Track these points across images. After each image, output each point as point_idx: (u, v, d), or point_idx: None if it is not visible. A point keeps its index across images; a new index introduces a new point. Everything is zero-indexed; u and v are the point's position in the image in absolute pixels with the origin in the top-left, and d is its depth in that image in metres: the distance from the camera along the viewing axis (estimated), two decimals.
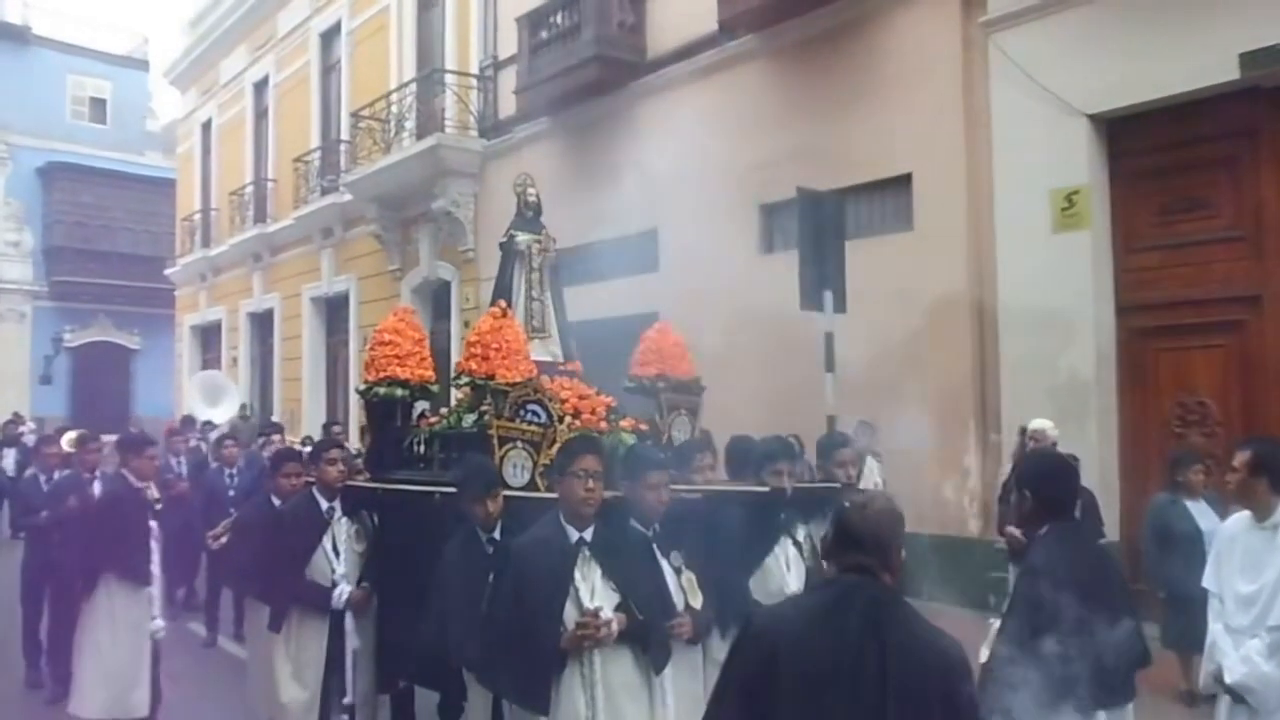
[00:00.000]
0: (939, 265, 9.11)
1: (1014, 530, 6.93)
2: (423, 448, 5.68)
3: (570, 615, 3.60)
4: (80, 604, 5.93)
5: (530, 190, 6.39)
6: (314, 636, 5.09)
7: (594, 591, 3.66)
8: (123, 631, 5.79)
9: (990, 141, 8.84)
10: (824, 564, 2.50)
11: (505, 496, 4.40)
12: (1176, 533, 6.13)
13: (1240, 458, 4.00)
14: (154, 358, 28.55)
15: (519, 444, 4.76)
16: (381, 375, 5.69)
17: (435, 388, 5.96)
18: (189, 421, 14.49)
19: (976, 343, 8.93)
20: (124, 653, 5.79)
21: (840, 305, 8.13)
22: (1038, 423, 7.10)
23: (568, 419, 5.21)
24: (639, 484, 4.03)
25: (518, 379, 5.04)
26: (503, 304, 5.65)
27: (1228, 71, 7.30)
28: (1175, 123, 7.86)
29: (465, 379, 5.26)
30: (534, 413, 4.88)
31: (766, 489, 4.48)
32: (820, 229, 8.15)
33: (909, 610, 2.44)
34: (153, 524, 6.04)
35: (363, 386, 5.81)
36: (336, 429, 11.35)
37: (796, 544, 4.52)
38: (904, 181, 9.63)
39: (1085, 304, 8.18)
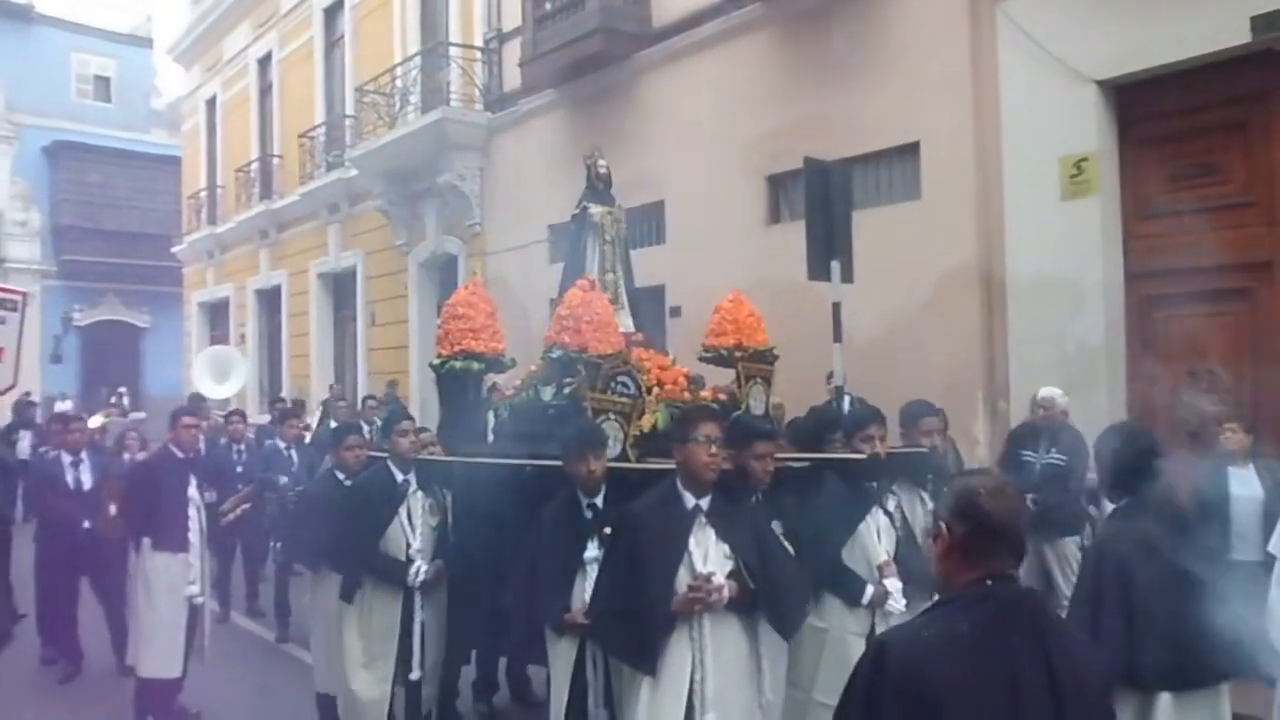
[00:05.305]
0: (947, 234, 9.05)
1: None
2: (497, 420, 5.76)
3: (683, 580, 3.65)
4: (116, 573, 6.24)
5: (601, 162, 6.45)
6: (387, 610, 5.12)
7: (707, 557, 3.70)
8: (160, 596, 5.90)
9: (998, 109, 8.75)
10: (949, 553, 2.07)
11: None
12: (1207, 498, 6.10)
13: None
14: (163, 336, 28.64)
15: (611, 415, 4.82)
16: (456, 349, 5.71)
17: (509, 360, 5.99)
18: (196, 400, 14.53)
19: (985, 311, 8.89)
20: (163, 616, 5.91)
21: (848, 275, 8.09)
22: (1046, 391, 7.08)
23: (654, 390, 5.29)
24: (747, 453, 4.06)
25: (608, 351, 5.09)
26: (591, 276, 5.73)
27: (1239, 35, 7.18)
28: (1185, 88, 7.75)
29: (558, 351, 5.29)
30: (624, 384, 4.95)
31: (863, 456, 4.47)
32: (827, 199, 8.09)
33: (1059, 619, 2.17)
34: (192, 493, 6.10)
35: (437, 360, 5.84)
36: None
37: (887, 513, 4.52)
38: (911, 150, 9.55)
39: (1094, 271, 8.12)
